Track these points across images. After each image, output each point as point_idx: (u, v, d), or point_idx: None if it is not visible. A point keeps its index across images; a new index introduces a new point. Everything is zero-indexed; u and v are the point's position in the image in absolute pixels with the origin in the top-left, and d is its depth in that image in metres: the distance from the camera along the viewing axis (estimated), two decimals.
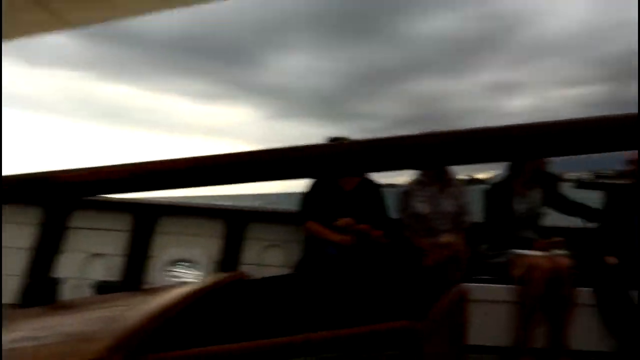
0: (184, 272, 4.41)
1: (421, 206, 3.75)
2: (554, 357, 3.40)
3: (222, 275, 2.26)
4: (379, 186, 3.86)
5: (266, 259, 4.41)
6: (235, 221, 4.50)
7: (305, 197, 3.86)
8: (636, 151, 3.56)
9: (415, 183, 3.84)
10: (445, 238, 3.54)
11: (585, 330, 3.44)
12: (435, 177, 3.79)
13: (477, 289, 3.54)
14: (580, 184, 4.67)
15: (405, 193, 3.84)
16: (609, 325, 3.39)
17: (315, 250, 3.70)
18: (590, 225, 3.89)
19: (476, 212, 3.93)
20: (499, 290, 3.53)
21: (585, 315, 3.44)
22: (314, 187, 3.85)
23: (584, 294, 3.46)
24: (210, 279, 2.18)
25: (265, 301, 2.46)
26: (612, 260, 3.51)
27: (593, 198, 3.94)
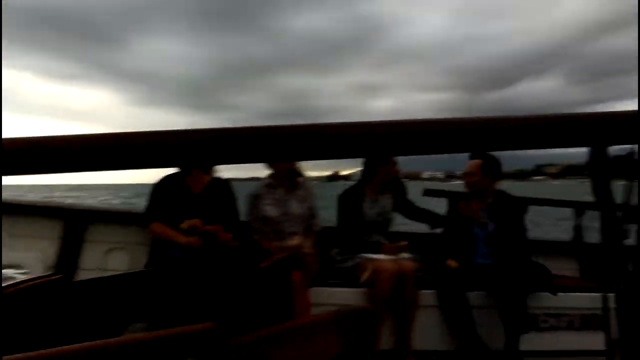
0: (10, 278, 3.91)
1: (269, 209, 3.67)
2: (400, 358, 3.49)
3: (38, 277, 2.04)
4: (230, 186, 3.70)
5: (109, 263, 4.04)
6: (74, 221, 4.08)
7: (151, 197, 3.60)
8: (474, 163, 3.78)
9: (264, 186, 3.75)
10: (293, 241, 3.49)
11: (428, 331, 3.58)
12: (284, 180, 3.73)
13: (327, 293, 3.55)
14: (427, 191, 4.90)
15: (254, 196, 3.74)
16: (450, 325, 3.55)
17: (159, 253, 3.46)
18: (435, 230, 4.06)
19: (333, 208, 3.92)
20: (348, 294, 3.55)
21: (429, 316, 3.57)
22: (159, 187, 3.59)
23: (427, 295, 3.59)
24: (22, 280, 1.95)
25: (79, 304, 2.25)
26: (453, 264, 3.69)
27: (439, 205, 4.12)
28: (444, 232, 3.97)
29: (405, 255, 3.68)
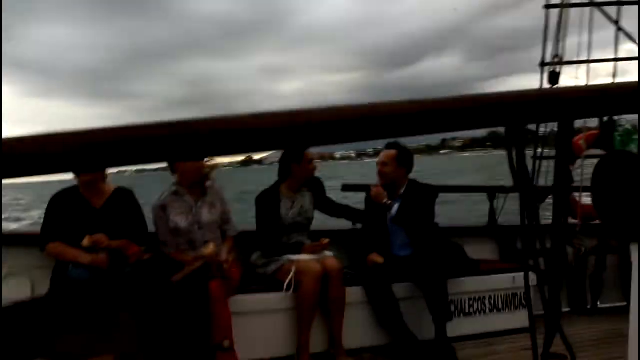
0: None
1: (179, 219, 3.41)
2: (334, 358, 3.42)
3: None
4: (134, 196, 3.42)
5: (5, 292, 3.60)
6: None
7: (46, 216, 3.25)
8: (389, 153, 3.75)
9: (170, 194, 3.48)
10: (206, 249, 3.27)
11: (359, 327, 3.53)
12: (192, 187, 3.49)
13: (251, 301, 3.40)
14: (345, 187, 4.93)
15: (160, 207, 3.45)
16: (380, 320, 3.53)
17: (61, 277, 3.14)
18: (356, 226, 4.00)
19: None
20: (274, 299, 3.42)
21: (359, 313, 3.53)
22: (55, 203, 3.25)
23: (355, 292, 3.53)
24: None
25: None
26: (377, 259, 3.64)
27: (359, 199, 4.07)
28: (364, 227, 3.94)
29: (328, 253, 3.60)
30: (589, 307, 4.20)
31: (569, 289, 4.23)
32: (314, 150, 3.79)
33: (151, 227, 3.47)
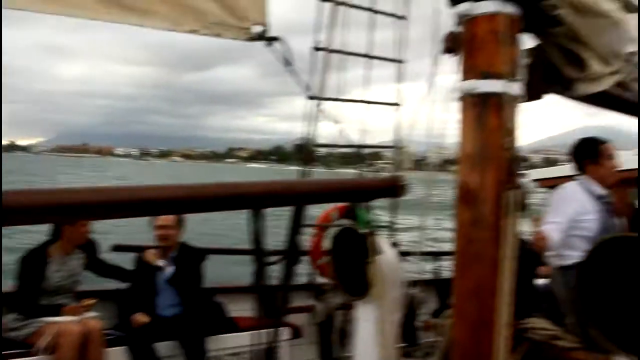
0: None
1: None
2: None
3: None
4: None
5: None
6: None
7: None
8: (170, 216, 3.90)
9: None
10: None
11: None
12: None
13: None
14: (116, 247, 4.86)
15: None
16: None
17: None
18: (123, 285, 4.03)
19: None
20: None
21: None
22: None
23: (119, 353, 3.56)
24: None
25: None
26: (141, 318, 3.73)
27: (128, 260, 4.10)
28: (131, 287, 4.00)
29: (91, 314, 3.57)
30: (334, 357, 4.79)
31: (321, 341, 4.79)
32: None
33: None
